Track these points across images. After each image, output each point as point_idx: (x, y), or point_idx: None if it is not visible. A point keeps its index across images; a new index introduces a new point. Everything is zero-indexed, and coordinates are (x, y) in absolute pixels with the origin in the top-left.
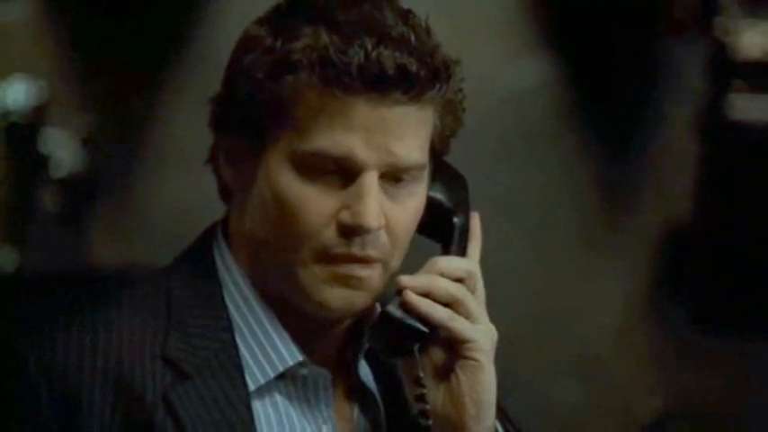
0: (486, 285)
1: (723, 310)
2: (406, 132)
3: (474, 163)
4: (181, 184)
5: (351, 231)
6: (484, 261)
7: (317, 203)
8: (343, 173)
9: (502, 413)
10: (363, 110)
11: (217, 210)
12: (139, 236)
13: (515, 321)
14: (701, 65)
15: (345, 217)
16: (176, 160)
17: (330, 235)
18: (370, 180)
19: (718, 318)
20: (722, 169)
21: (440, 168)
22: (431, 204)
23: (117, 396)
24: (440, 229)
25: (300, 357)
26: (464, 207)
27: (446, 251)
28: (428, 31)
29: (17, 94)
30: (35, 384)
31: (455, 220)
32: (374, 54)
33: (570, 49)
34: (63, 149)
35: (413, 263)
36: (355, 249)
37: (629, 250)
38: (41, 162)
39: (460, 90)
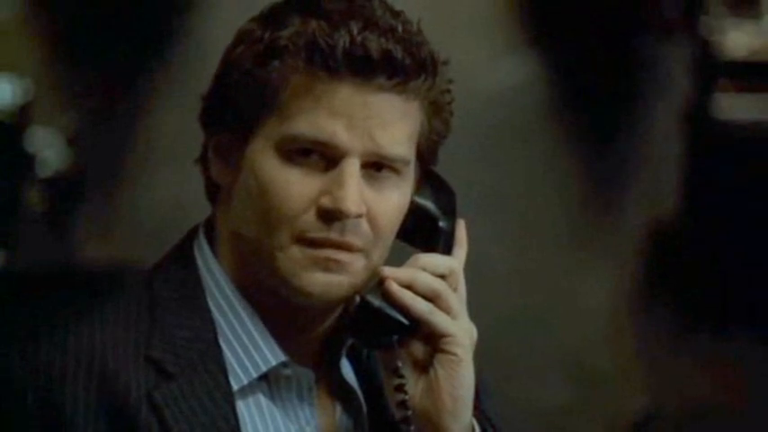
0: (471, 284)
1: (710, 307)
2: (389, 122)
3: (458, 160)
4: (167, 182)
5: (330, 216)
6: (468, 259)
7: (297, 187)
8: (326, 157)
9: (479, 413)
10: (347, 94)
11: (203, 208)
12: (125, 234)
13: (501, 320)
14: (687, 64)
15: (325, 201)
16: (162, 159)
17: (309, 219)
18: (352, 166)
19: (705, 315)
20: (708, 168)
21: (428, 177)
22: (417, 211)
23: (101, 397)
24: (425, 237)
25: (284, 357)
26: (451, 215)
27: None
28: (418, 30)
29: (2, 92)
30: (20, 386)
31: (441, 224)
32: (359, 38)
33: (555, 48)
34: (49, 148)
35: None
36: (334, 234)
37: (615, 248)
38: (27, 161)
39: (448, 91)
